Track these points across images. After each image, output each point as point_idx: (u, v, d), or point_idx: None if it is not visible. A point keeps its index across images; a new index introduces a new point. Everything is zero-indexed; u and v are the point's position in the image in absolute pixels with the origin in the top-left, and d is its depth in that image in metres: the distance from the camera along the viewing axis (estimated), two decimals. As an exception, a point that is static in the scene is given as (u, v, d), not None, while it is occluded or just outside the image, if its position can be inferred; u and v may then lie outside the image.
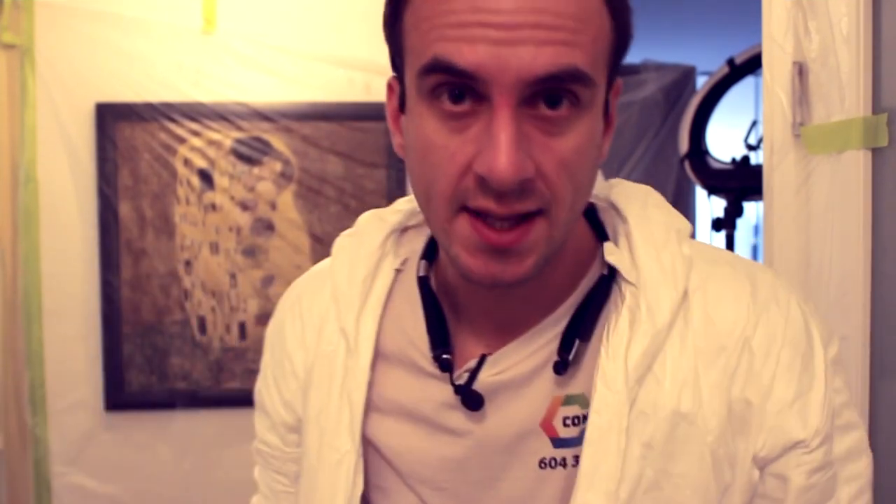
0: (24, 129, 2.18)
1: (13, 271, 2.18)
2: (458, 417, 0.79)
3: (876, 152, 1.35)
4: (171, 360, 2.30)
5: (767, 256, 1.60)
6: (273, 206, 2.32)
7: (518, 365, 0.78)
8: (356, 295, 0.85)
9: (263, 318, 2.32)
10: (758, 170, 2.52)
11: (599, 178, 0.79)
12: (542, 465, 0.77)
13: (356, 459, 0.81)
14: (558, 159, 0.68)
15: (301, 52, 2.30)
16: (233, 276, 2.31)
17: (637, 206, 0.81)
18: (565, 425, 0.76)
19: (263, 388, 0.95)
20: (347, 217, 2.27)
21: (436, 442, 0.80)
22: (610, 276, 0.79)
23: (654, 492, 0.72)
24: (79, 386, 2.28)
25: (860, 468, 0.77)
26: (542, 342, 0.78)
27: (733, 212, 3.03)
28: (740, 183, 2.98)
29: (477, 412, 0.78)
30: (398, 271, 0.87)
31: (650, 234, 0.79)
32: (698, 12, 4.01)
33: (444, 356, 0.80)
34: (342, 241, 0.91)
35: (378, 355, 0.84)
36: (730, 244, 3.08)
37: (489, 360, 0.79)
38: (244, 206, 2.31)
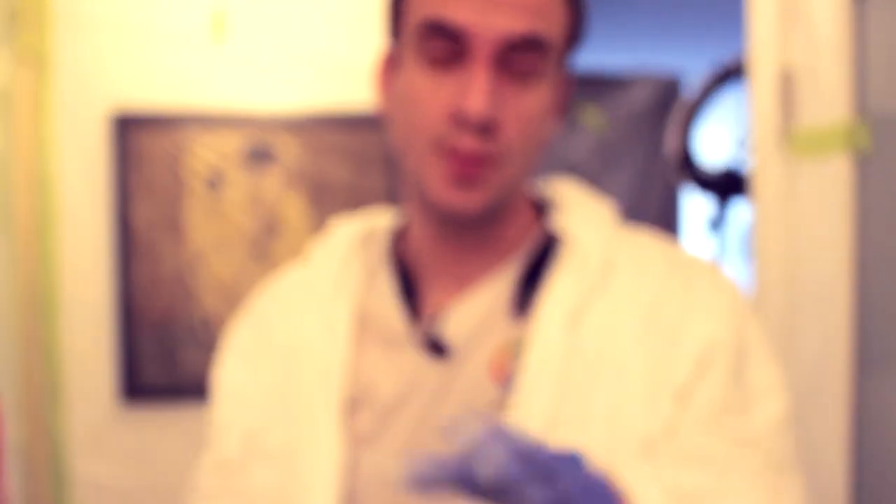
0: (41, 136, 2.24)
1: (32, 273, 2.23)
2: (426, 369, 0.85)
3: (860, 157, 1.38)
4: (182, 357, 2.33)
5: (755, 259, 1.62)
6: (279, 211, 2.34)
7: (472, 313, 0.86)
8: (329, 290, 0.92)
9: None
10: (745, 175, 2.54)
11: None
12: (491, 407, 0.83)
13: (338, 448, 0.85)
14: (518, 113, 0.81)
15: (309, 59, 2.33)
16: (239, 279, 2.34)
17: (568, 193, 0.93)
18: (511, 369, 0.84)
19: (241, 368, 0.99)
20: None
21: (410, 414, 0.85)
22: (551, 241, 0.89)
23: (581, 425, 0.80)
24: (94, 381, 2.31)
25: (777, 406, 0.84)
26: (494, 292, 0.87)
27: (722, 215, 3.07)
28: (728, 187, 3.02)
29: (442, 363, 0.85)
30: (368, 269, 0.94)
31: (582, 213, 0.90)
32: (685, 18, 4.05)
33: (412, 307, 0.88)
34: (315, 244, 1.00)
35: (356, 341, 0.89)
36: (720, 247, 3.12)
37: (449, 309, 0.87)
38: (251, 211, 2.34)
